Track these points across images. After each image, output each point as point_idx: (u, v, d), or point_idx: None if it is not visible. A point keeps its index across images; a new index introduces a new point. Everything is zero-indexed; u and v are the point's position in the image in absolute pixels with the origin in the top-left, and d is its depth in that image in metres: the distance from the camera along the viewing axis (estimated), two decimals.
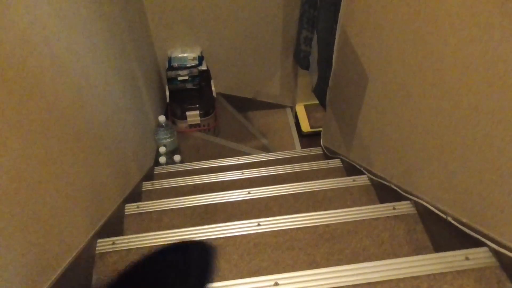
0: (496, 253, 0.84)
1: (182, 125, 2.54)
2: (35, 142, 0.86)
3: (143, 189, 1.75)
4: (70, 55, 1.11)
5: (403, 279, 0.83)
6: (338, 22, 1.62)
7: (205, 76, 2.53)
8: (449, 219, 0.97)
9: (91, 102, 1.26)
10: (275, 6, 2.42)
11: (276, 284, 0.85)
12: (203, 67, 2.52)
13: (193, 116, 2.49)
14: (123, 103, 1.64)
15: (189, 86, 2.50)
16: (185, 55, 2.54)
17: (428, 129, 1.03)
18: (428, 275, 0.83)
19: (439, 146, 0.99)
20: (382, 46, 1.23)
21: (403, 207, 1.17)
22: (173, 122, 2.54)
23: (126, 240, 1.15)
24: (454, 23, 0.83)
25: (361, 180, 1.50)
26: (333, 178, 1.55)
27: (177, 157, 2.17)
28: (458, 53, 0.83)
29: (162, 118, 2.08)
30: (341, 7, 1.58)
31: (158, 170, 2.06)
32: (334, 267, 0.87)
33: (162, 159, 2.09)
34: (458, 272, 0.83)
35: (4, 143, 0.73)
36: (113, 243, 1.14)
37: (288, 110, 3.01)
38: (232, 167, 1.96)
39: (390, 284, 0.83)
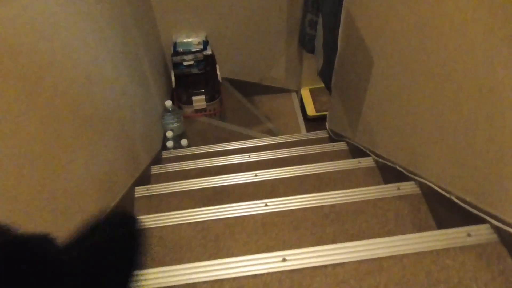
0: (497, 230, 0.86)
1: (188, 110, 2.56)
2: (48, 126, 0.88)
3: (151, 172, 1.78)
4: (78, 40, 1.13)
5: (406, 255, 0.86)
6: (343, 4, 1.61)
7: (210, 61, 2.53)
8: (453, 198, 0.99)
9: (100, 86, 1.28)
10: None
11: (284, 259, 0.88)
12: (208, 52, 2.52)
13: (199, 101, 2.51)
14: (130, 88, 1.66)
15: (195, 71, 2.51)
16: (190, 40, 2.55)
17: (432, 110, 1.04)
18: (431, 251, 0.86)
19: (443, 127, 1.00)
20: (387, 27, 1.23)
21: (408, 188, 1.19)
22: (179, 107, 2.56)
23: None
24: (459, 3, 0.84)
25: (366, 162, 1.52)
26: (339, 160, 1.57)
27: (184, 141, 2.19)
28: (463, 34, 0.84)
29: (168, 103, 2.11)
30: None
31: (165, 154, 2.09)
32: (340, 243, 0.90)
33: (170, 144, 2.12)
34: (460, 248, 0.86)
35: (17, 129, 0.76)
36: None
37: (294, 94, 3.01)
38: (238, 151, 1.99)
39: (394, 260, 0.86)
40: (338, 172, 1.49)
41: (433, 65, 0.99)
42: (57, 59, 0.96)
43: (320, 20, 2.13)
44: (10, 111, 0.73)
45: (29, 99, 0.80)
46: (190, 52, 2.46)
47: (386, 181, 1.41)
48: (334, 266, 0.86)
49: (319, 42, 2.20)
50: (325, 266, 0.86)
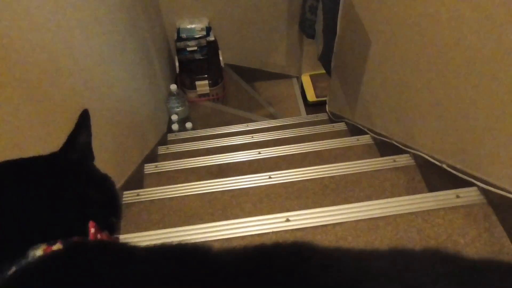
0: (484, 192, 0.94)
1: (191, 95, 2.63)
2: (70, 100, 0.95)
3: (159, 152, 1.86)
4: (94, 21, 1.19)
5: (400, 215, 0.94)
6: None
7: (213, 47, 2.59)
8: (444, 166, 1.07)
9: (112, 67, 1.35)
10: None
11: (288, 220, 0.96)
12: (211, 38, 2.58)
13: (202, 85, 2.57)
14: (138, 71, 1.73)
15: (198, 56, 2.57)
16: (193, 26, 2.60)
17: (424, 85, 1.11)
18: (423, 211, 0.94)
19: (435, 101, 1.07)
20: (383, 8, 1.29)
21: (403, 160, 1.27)
22: (183, 92, 2.63)
23: (149, 192, 1.27)
24: None
25: (364, 139, 1.59)
26: (338, 138, 1.64)
27: (188, 124, 2.26)
28: (454, 12, 0.91)
29: (173, 87, 2.17)
30: None
31: (171, 136, 2.16)
32: (339, 205, 0.98)
33: (175, 126, 2.19)
34: (449, 208, 0.93)
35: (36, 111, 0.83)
36: (138, 195, 1.25)
37: (294, 80, 3.07)
38: (242, 133, 2.06)
39: (389, 219, 0.93)
40: (337, 149, 1.56)
41: (426, 43, 1.06)
42: (78, 38, 1.03)
43: (320, 5, 2.18)
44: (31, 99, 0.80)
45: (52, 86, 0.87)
46: (194, 38, 2.52)
47: (383, 156, 1.48)
48: (333, 225, 0.93)
49: (319, 27, 2.26)
50: (325, 226, 0.94)
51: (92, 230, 0.41)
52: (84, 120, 0.48)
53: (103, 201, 0.48)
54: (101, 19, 1.27)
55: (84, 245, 0.38)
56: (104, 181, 0.51)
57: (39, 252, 0.35)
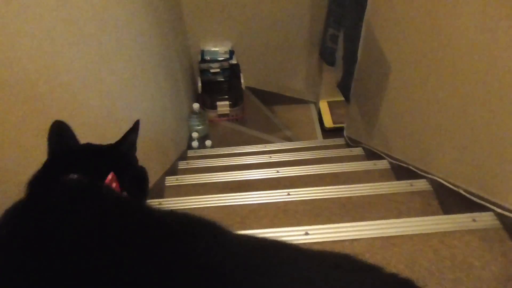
0: (500, 217, 0.95)
1: (212, 114, 2.71)
2: (107, 105, 1.02)
3: (179, 167, 1.91)
4: (130, 35, 1.28)
5: (416, 235, 0.96)
6: (364, 18, 1.74)
7: (235, 70, 2.68)
8: (460, 190, 1.09)
9: (143, 83, 1.42)
10: (302, 4, 2.57)
11: (307, 233, 0.98)
12: (233, 61, 2.68)
13: (223, 106, 2.65)
14: (164, 88, 1.81)
15: (220, 78, 2.66)
16: (217, 49, 2.71)
17: (442, 112, 1.15)
18: (439, 232, 0.96)
19: (452, 126, 1.11)
20: (403, 38, 1.35)
21: (420, 184, 1.29)
22: (204, 111, 2.71)
23: (171, 202, 1.31)
24: (470, 14, 0.96)
25: (382, 164, 1.62)
26: (355, 162, 1.67)
27: (208, 142, 2.33)
28: (474, 43, 0.96)
29: (196, 106, 2.25)
30: (368, 5, 1.71)
31: (191, 153, 2.22)
32: (357, 222, 1.00)
33: (195, 144, 2.25)
34: (465, 231, 0.95)
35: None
36: (160, 204, 1.30)
37: (312, 106, 3.13)
38: (260, 152, 2.11)
39: (405, 238, 0.95)
40: (354, 172, 1.59)
41: (445, 71, 1.11)
42: (115, 51, 1.11)
43: (341, 34, 2.26)
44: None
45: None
46: (217, 61, 2.62)
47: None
48: (351, 241, 0.96)
49: (339, 54, 2.33)
50: (343, 241, 0.96)
51: (110, 176, 0.57)
52: (135, 125, 0.69)
53: (138, 182, 0.68)
54: (137, 39, 1.36)
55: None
56: (141, 168, 0.73)
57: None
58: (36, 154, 0.68)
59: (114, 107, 1.12)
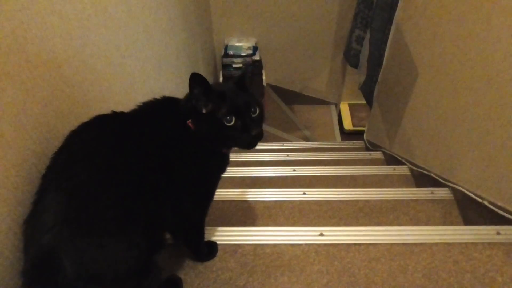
0: None
1: None
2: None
3: None
4: (157, 23, 1.28)
5: (436, 244, 0.93)
6: (393, 21, 1.70)
7: (257, 66, 2.66)
8: (485, 202, 1.05)
9: (166, 71, 1.42)
10: (330, 4, 2.53)
11: (322, 234, 0.96)
12: (257, 58, 2.65)
13: None
14: (186, 79, 1.80)
15: None
16: (241, 44, 2.69)
17: (471, 121, 1.11)
18: (460, 243, 0.92)
19: (481, 137, 1.07)
20: (434, 44, 1.31)
21: (441, 193, 1.25)
22: None
23: None
24: (504, 23, 0.92)
25: (402, 170, 1.58)
26: (374, 166, 1.64)
27: None
28: (504, 52, 0.92)
29: None
30: (398, 8, 1.66)
31: None
32: (375, 226, 0.98)
33: None
34: (488, 243, 0.92)
35: None
36: None
37: (332, 107, 3.10)
38: (277, 150, 2.09)
39: (424, 246, 0.92)
40: (373, 176, 1.56)
41: (476, 77, 1.07)
42: (148, 38, 1.11)
43: (367, 36, 2.22)
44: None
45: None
46: (240, 56, 2.61)
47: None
48: (367, 245, 0.94)
49: (363, 57, 2.29)
50: (359, 244, 0.94)
51: None
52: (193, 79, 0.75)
53: None
54: (163, 28, 1.36)
55: None
56: None
57: None
58: (57, 135, 0.68)
59: (135, 94, 1.12)
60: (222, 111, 0.73)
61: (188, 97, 0.76)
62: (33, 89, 0.63)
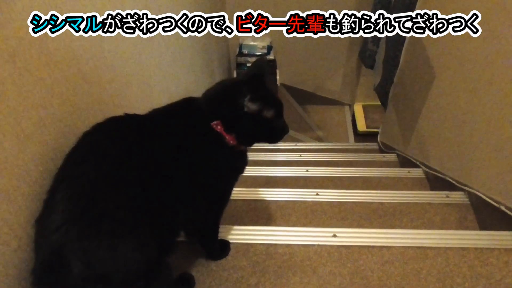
0: None
1: None
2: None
3: None
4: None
5: (451, 248, 0.91)
6: None
7: (271, 65, 2.66)
8: (502, 207, 1.03)
9: (180, 66, 1.43)
10: (346, 3, 2.51)
11: (335, 235, 0.96)
12: (271, 57, 2.65)
13: None
14: (200, 77, 1.81)
15: None
16: (255, 43, 2.69)
17: (490, 123, 1.09)
18: (475, 248, 0.91)
19: (499, 141, 1.05)
20: (454, 45, 1.29)
21: (457, 196, 1.23)
22: None
23: None
24: None
25: (416, 172, 1.56)
26: (388, 168, 1.62)
27: None
28: None
29: None
30: (416, 8, 1.64)
31: None
32: (389, 229, 0.97)
33: None
34: (505, 249, 0.90)
35: None
36: None
37: (346, 108, 3.08)
38: (290, 150, 2.08)
39: (439, 250, 0.91)
40: (387, 178, 1.55)
41: (496, 79, 1.05)
42: (163, 36, 1.11)
43: (384, 37, 2.20)
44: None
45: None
46: (254, 55, 2.61)
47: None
48: (380, 247, 0.93)
49: (379, 58, 2.27)
50: (372, 247, 0.93)
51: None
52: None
53: None
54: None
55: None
56: None
57: None
58: (75, 131, 0.69)
59: (150, 91, 1.12)
60: (271, 112, 0.75)
61: (232, 100, 0.73)
62: (52, 84, 0.64)
